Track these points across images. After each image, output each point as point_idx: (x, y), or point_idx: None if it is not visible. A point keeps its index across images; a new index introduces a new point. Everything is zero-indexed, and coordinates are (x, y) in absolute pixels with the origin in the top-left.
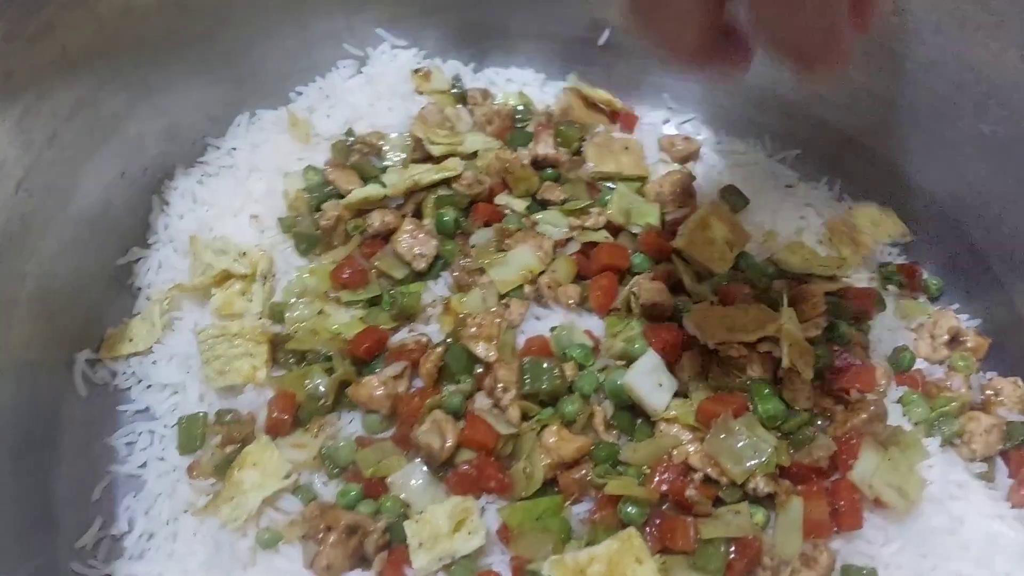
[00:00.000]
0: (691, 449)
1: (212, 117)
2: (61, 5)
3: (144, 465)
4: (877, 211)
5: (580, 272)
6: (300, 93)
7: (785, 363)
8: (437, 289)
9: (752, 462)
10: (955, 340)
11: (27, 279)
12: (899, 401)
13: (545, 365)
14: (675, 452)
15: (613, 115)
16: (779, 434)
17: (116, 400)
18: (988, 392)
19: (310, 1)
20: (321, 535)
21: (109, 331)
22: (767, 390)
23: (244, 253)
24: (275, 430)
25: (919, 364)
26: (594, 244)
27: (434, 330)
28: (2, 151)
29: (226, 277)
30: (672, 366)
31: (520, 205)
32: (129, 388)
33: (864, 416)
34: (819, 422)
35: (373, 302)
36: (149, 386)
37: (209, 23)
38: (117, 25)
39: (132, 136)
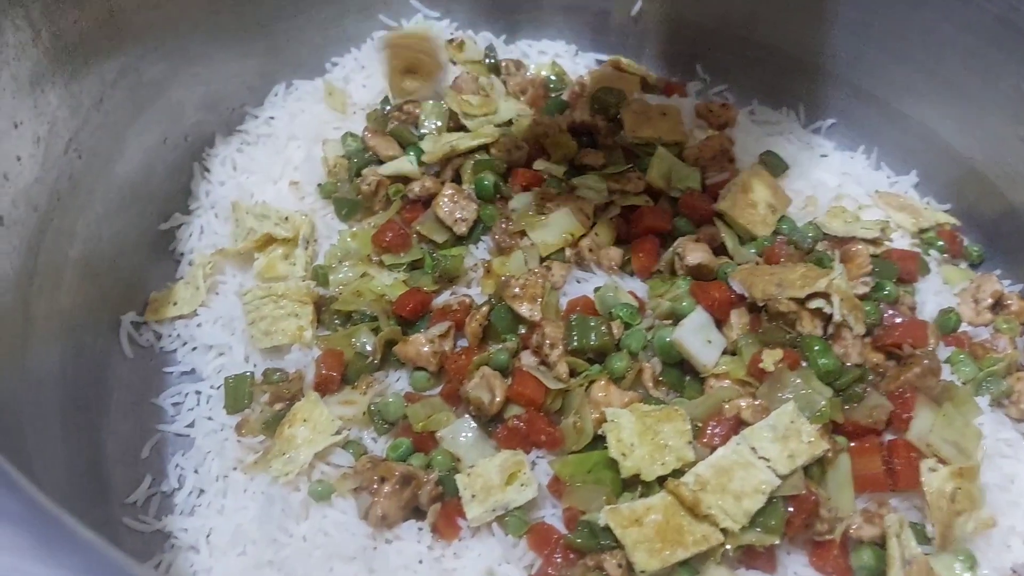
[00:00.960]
0: (743, 404)
1: (250, 86)
2: None
3: (192, 424)
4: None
5: (620, 236)
6: (336, 64)
7: (837, 317)
8: (478, 253)
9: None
10: (999, 304)
11: (75, 239)
12: (947, 361)
13: (592, 322)
14: (727, 406)
15: (646, 85)
16: (831, 391)
17: (162, 362)
18: None
19: None
20: (375, 486)
21: (153, 295)
22: (820, 345)
23: (286, 218)
24: (324, 387)
25: (963, 328)
26: (634, 208)
27: (475, 292)
28: (52, 111)
29: (268, 241)
30: (720, 325)
31: (558, 170)
32: (174, 350)
33: (917, 370)
34: (870, 378)
35: (414, 265)
36: (194, 348)
37: None
38: None
39: (173, 103)
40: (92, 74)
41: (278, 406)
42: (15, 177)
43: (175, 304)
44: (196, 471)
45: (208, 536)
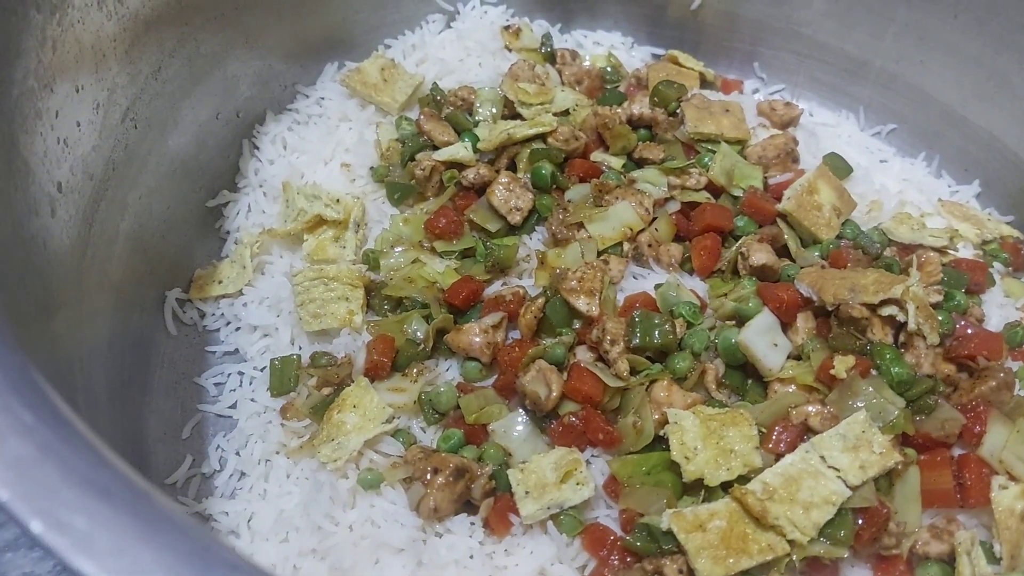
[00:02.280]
0: (811, 410)
1: (302, 65)
2: None
3: (234, 406)
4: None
5: (679, 232)
6: (389, 46)
7: (912, 326)
8: (531, 243)
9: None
10: None
11: (127, 212)
12: (1015, 376)
13: (656, 320)
14: (793, 412)
15: (704, 82)
16: (903, 401)
17: (204, 340)
18: None
19: None
20: (428, 477)
21: (198, 272)
22: (892, 353)
23: (337, 200)
24: (374, 373)
25: None
26: (694, 205)
27: (528, 284)
28: (112, 78)
29: (319, 223)
30: (785, 328)
31: (617, 163)
32: (218, 329)
33: (993, 383)
34: (942, 389)
35: (466, 254)
36: (238, 328)
37: None
38: None
39: (228, 77)
40: (152, 42)
41: (326, 391)
42: (74, 143)
43: (220, 283)
44: (238, 453)
45: (249, 521)
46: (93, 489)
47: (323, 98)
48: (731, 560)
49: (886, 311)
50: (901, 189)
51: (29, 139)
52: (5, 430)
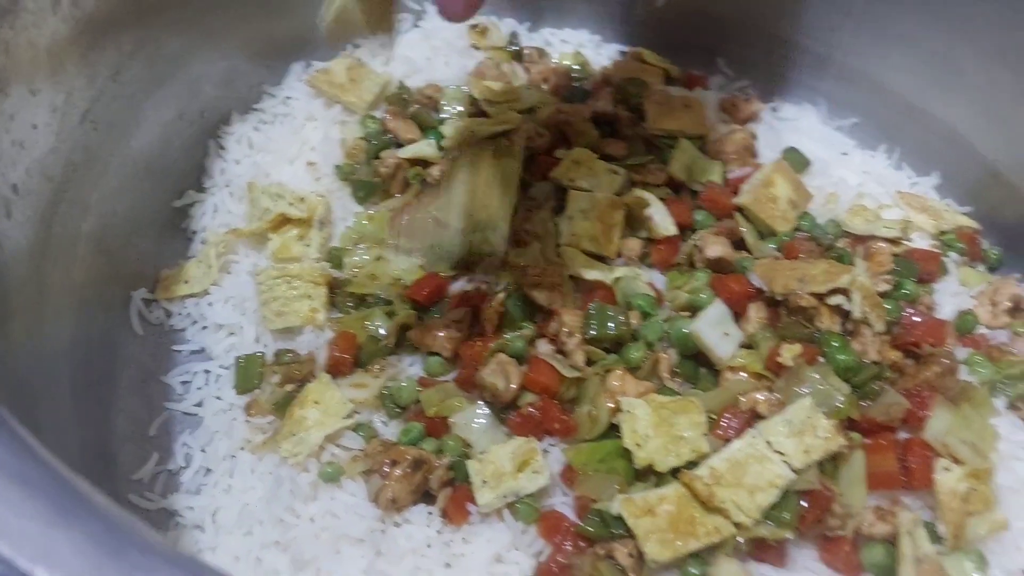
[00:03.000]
0: (759, 397)
1: (268, 65)
2: None
3: (200, 404)
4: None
5: None
6: (357, 46)
7: (857, 314)
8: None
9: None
10: (1017, 308)
11: (89, 213)
12: (964, 362)
13: (611, 311)
14: (743, 399)
15: (668, 78)
16: (849, 387)
17: (171, 340)
18: None
19: None
20: (386, 469)
21: (164, 272)
22: (839, 341)
23: (302, 198)
24: (336, 369)
25: (981, 330)
26: None
27: (493, 280)
28: (69, 81)
29: (283, 222)
30: (737, 318)
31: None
32: (184, 329)
33: (937, 369)
34: (888, 375)
35: None
36: (204, 327)
37: None
38: None
39: (191, 78)
40: (110, 45)
41: (289, 387)
42: (30, 146)
43: (186, 282)
44: (203, 450)
45: (214, 515)
46: (10, 476)
47: (289, 98)
48: (679, 543)
49: (834, 300)
50: (861, 181)
51: None
52: None
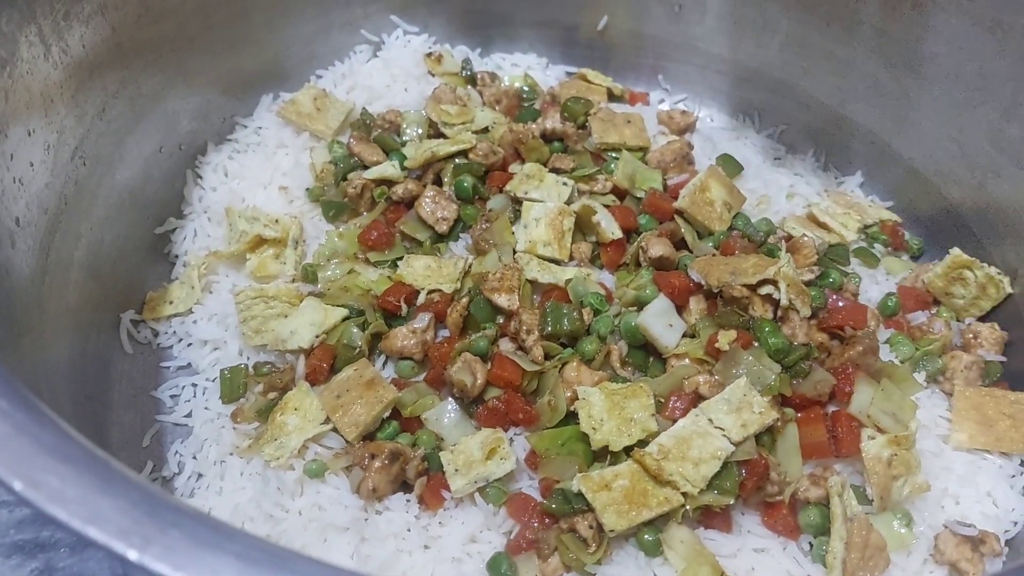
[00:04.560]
0: (701, 380)
1: (239, 97)
2: None
3: (189, 415)
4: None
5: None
6: (320, 76)
7: (784, 302)
8: (457, 250)
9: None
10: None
11: (80, 242)
12: (887, 342)
13: (565, 309)
14: (686, 383)
15: (611, 95)
16: (780, 367)
17: (159, 357)
18: (968, 336)
19: None
20: (366, 462)
21: (149, 294)
22: (770, 326)
23: (276, 220)
24: (314, 378)
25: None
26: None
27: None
28: (61, 120)
29: (260, 242)
30: (680, 311)
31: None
32: (171, 346)
33: (860, 348)
34: (816, 355)
35: (398, 263)
36: (190, 344)
37: (239, 8)
38: (159, 8)
39: (169, 113)
40: (96, 86)
41: (271, 395)
42: (28, 182)
43: (171, 303)
44: (194, 457)
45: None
46: (60, 456)
47: (260, 127)
48: (633, 513)
49: (764, 290)
50: (792, 183)
51: None
52: None
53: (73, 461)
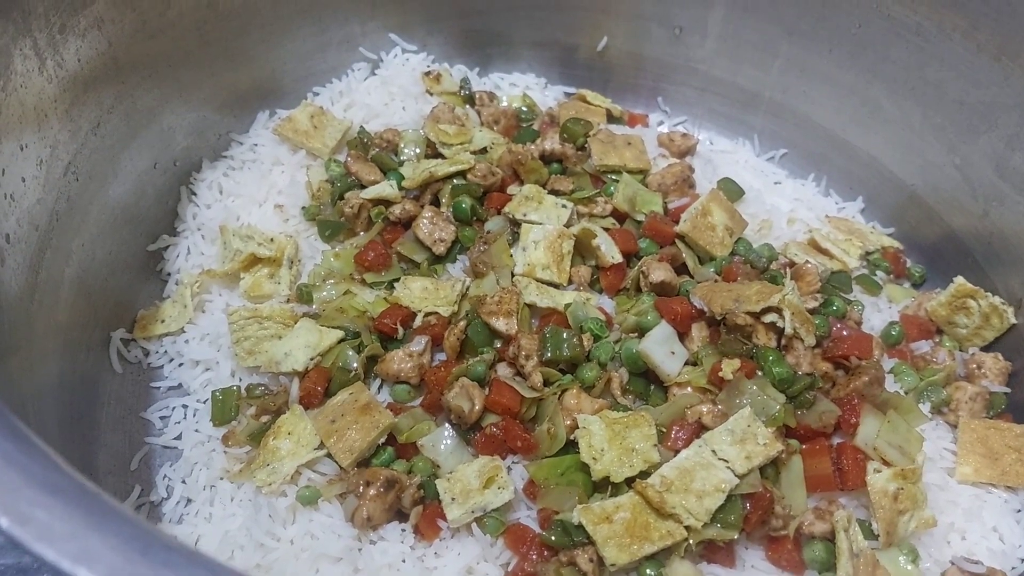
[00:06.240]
0: (704, 409)
1: (236, 114)
2: (109, 2)
3: (179, 437)
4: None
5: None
6: (317, 93)
7: (788, 330)
8: (455, 272)
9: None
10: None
11: (71, 259)
12: (890, 372)
13: (565, 335)
14: (689, 412)
15: (611, 117)
16: (784, 397)
17: (149, 377)
18: (972, 366)
19: (327, 8)
20: (360, 490)
21: (141, 313)
22: (774, 355)
23: (271, 239)
24: (308, 401)
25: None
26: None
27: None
28: (54, 135)
29: (254, 261)
30: (682, 338)
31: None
32: (161, 366)
33: (865, 379)
34: (820, 385)
35: (395, 284)
36: (181, 364)
37: (236, 24)
38: (156, 23)
39: (164, 129)
40: (91, 101)
41: (264, 418)
42: (20, 197)
43: (163, 322)
44: (184, 481)
45: (196, 543)
46: (49, 489)
47: (256, 144)
48: (635, 547)
49: (768, 318)
50: (793, 208)
51: None
52: None
53: (62, 494)
